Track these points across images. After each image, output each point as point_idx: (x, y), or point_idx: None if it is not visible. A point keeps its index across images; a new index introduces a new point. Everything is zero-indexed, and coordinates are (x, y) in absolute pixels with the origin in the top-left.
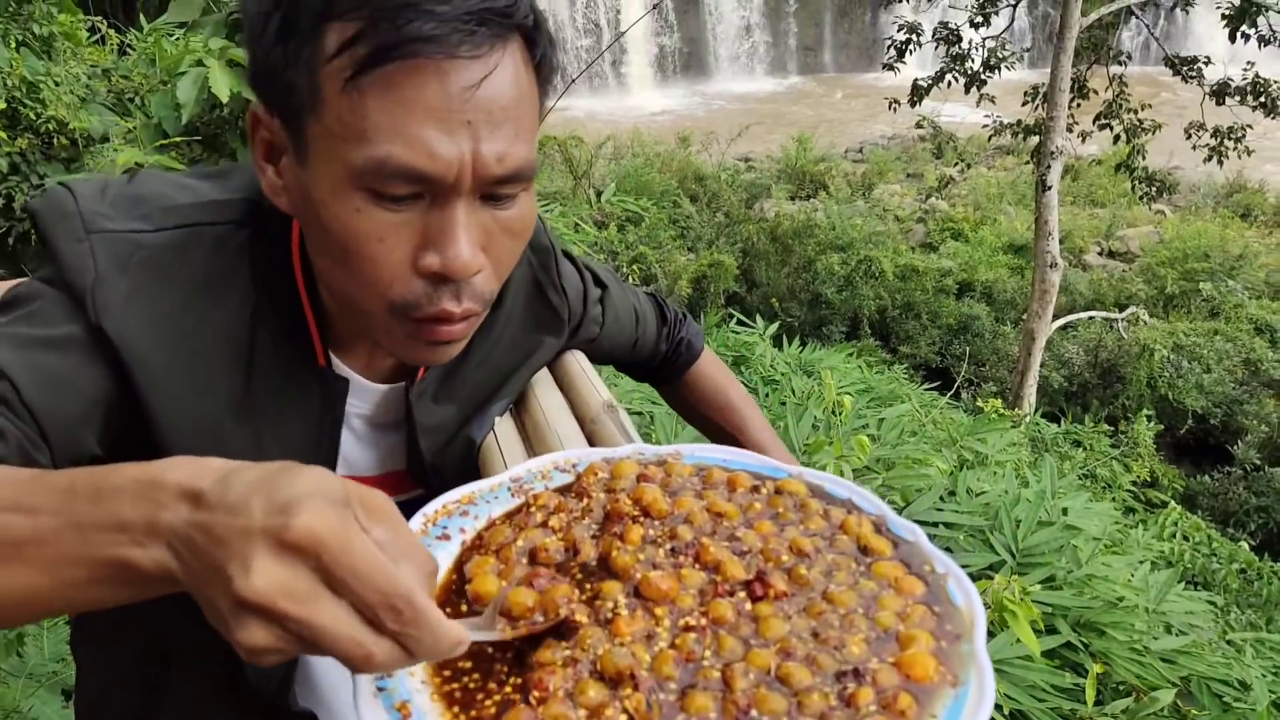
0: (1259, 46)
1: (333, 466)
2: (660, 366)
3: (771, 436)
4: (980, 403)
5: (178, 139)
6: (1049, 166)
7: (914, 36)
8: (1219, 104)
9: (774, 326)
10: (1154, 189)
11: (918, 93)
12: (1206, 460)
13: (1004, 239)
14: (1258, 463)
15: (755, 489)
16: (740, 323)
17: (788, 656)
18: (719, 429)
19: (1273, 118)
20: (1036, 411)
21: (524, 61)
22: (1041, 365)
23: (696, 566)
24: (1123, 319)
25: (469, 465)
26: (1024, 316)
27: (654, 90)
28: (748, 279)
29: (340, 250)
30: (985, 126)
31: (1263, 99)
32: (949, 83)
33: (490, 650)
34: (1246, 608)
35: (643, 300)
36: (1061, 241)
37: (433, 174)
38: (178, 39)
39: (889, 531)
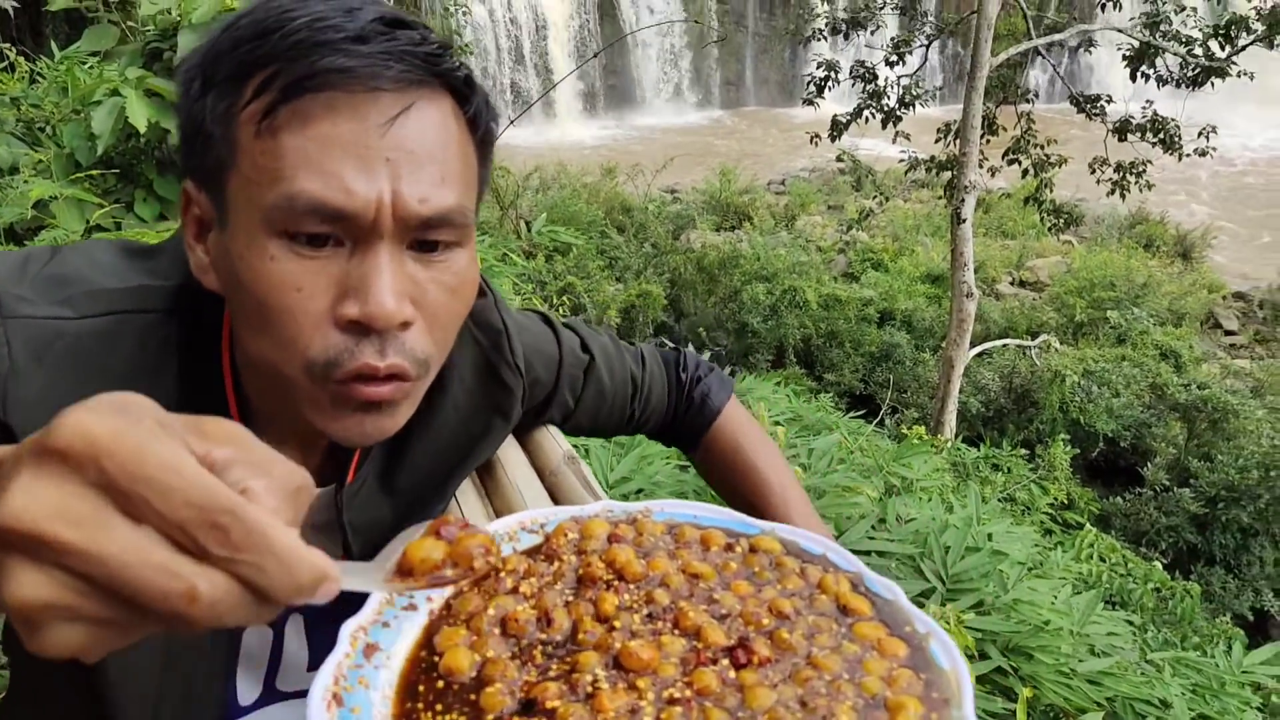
0: (1157, 86)
1: None
2: (677, 429)
3: (799, 501)
4: (905, 429)
5: (92, 171)
6: (963, 200)
7: (833, 74)
8: (1121, 140)
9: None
10: (1061, 221)
11: (837, 127)
12: (1118, 482)
13: (921, 269)
14: (1166, 483)
15: (729, 547)
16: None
17: None
18: (740, 497)
19: (1171, 153)
20: (958, 437)
21: (453, 114)
22: (960, 391)
23: (676, 632)
24: (1035, 346)
25: None
26: (943, 344)
27: (580, 122)
28: (675, 309)
29: (256, 306)
30: (901, 161)
31: (1161, 136)
32: (866, 118)
33: None
34: (1163, 626)
35: (651, 368)
36: (976, 271)
37: (349, 210)
38: (91, 67)
39: (866, 589)
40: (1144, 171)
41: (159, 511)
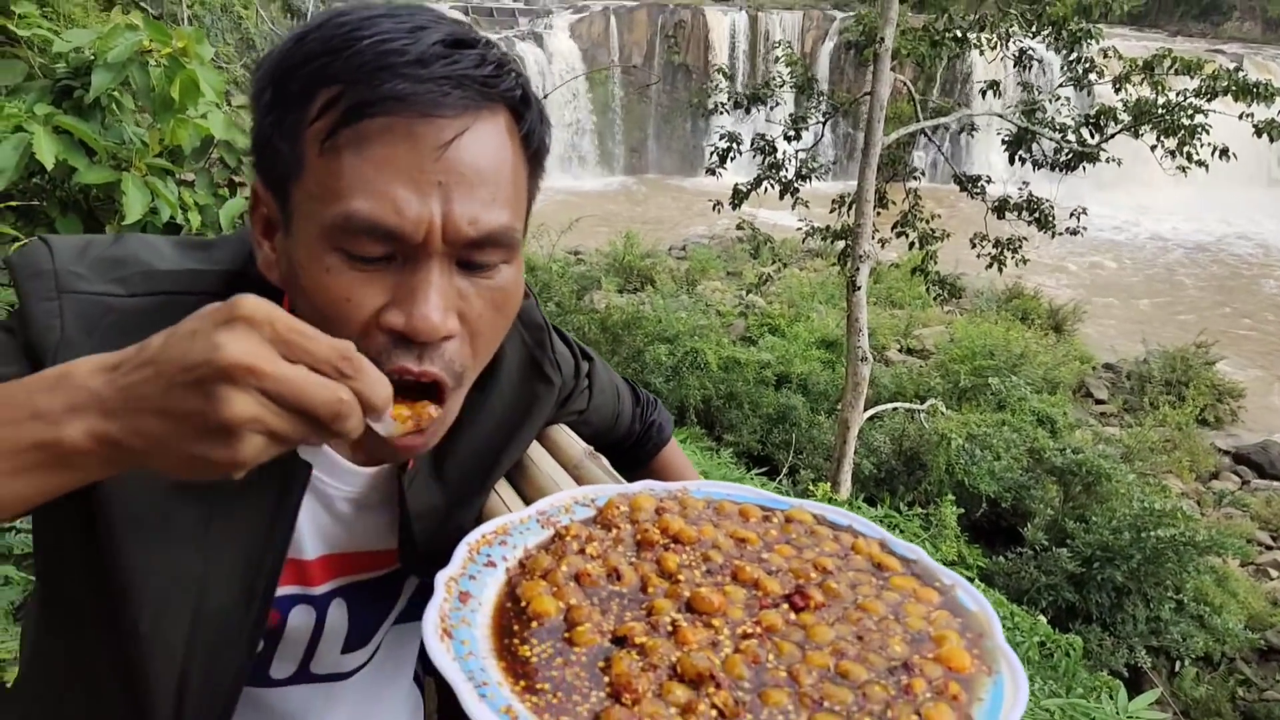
0: (1033, 169)
1: (283, 552)
2: (633, 448)
3: None
4: (810, 488)
5: None
6: (858, 269)
7: (735, 145)
8: (1000, 218)
9: None
10: (945, 291)
11: (738, 196)
12: (999, 541)
13: (816, 335)
14: (1045, 543)
15: (766, 518)
16: None
17: (841, 657)
18: None
19: (1045, 231)
20: (856, 497)
21: (508, 131)
22: (854, 453)
23: (734, 584)
24: (923, 410)
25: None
26: (838, 407)
27: None
28: None
29: (314, 312)
30: (798, 230)
31: (1036, 215)
32: (766, 189)
33: (567, 676)
34: (1049, 678)
35: (617, 379)
36: (868, 338)
37: (399, 231)
38: None
39: (893, 551)
40: (1020, 248)
41: (311, 351)
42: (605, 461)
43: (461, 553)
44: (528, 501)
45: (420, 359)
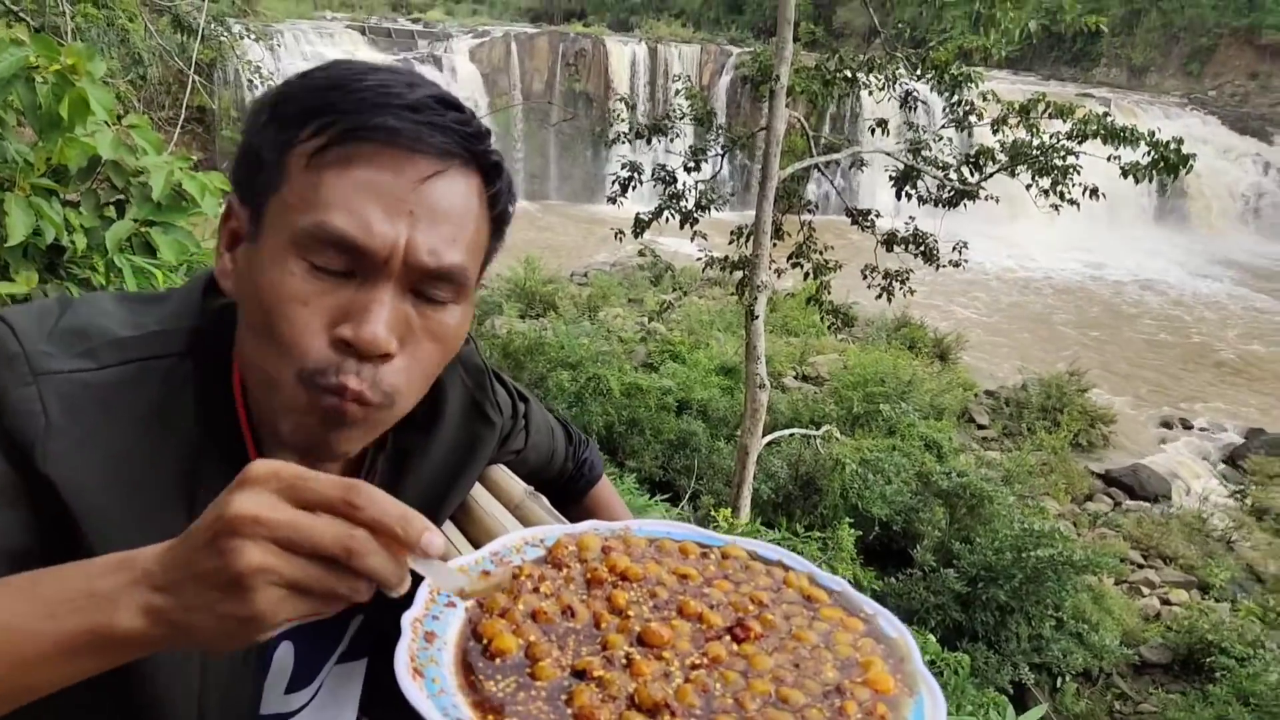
0: (918, 204)
1: None
2: (566, 484)
3: None
4: (713, 513)
5: None
6: (755, 298)
7: (636, 175)
8: (888, 250)
9: None
10: (839, 320)
11: (640, 225)
12: (891, 563)
13: (716, 362)
14: (934, 564)
15: (704, 554)
16: None
17: (780, 683)
18: None
19: (930, 264)
20: (755, 521)
21: (479, 190)
22: (754, 478)
23: (681, 618)
24: (819, 436)
25: (412, 588)
26: (737, 433)
27: None
28: None
29: (265, 313)
30: (698, 259)
31: (922, 248)
32: (667, 218)
33: (532, 710)
34: None
35: (551, 419)
36: (766, 365)
37: (367, 247)
38: None
39: (819, 583)
40: (907, 279)
41: (319, 493)
42: (545, 501)
43: (423, 594)
44: (474, 542)
45: (359, 375)
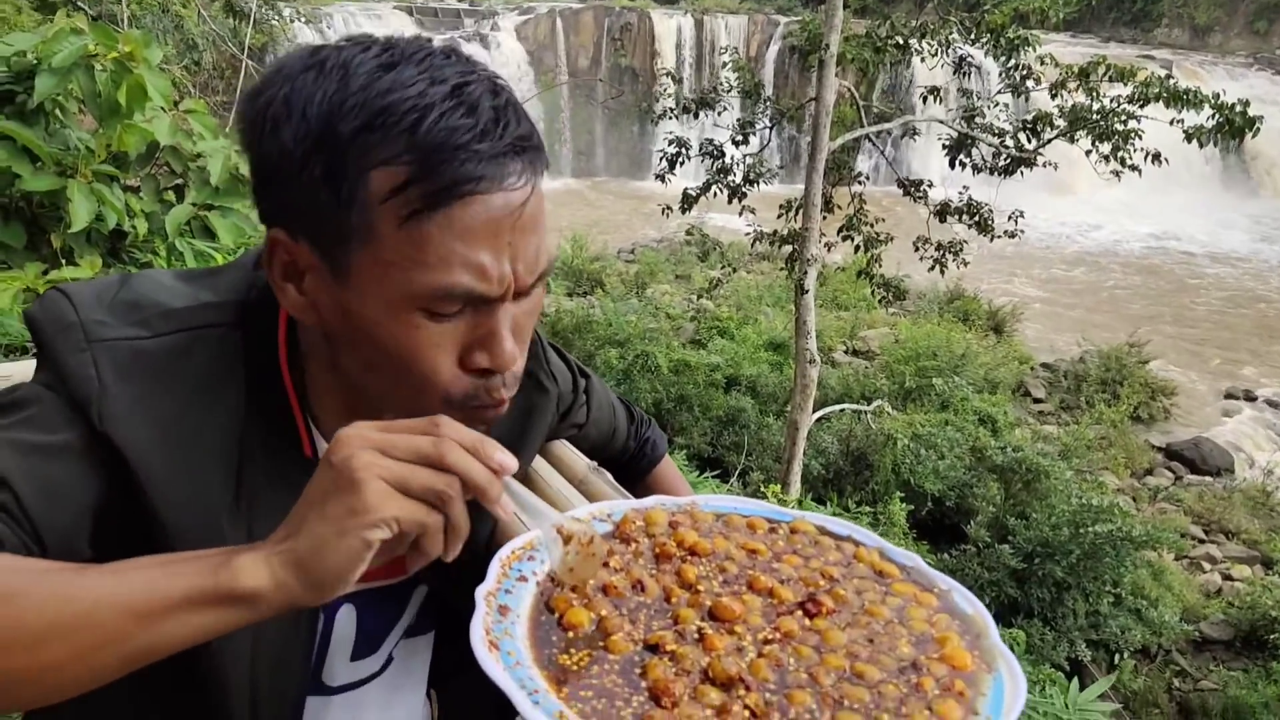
0: (973, 173)
1: None
2: (629, 463)
3: None
4: (763, 489)
5: None
6: (805, 272)
7: (684, 150)
8: (941, 221)
9: None
10: (890, 294)
11: (687, 201)
12: (944, 539)
13: (764, 337)
14: (988, 540)
15: (772, 530)
16: None
17: (855, 659)
18: None
19: (985, 235)
20: (805, 497)
21: (540, 189)
22: (804, 454)
23: (751, 593)
24: (870, 411)
25: (473, 561)
26: (786, 409)
27: None
28: None
29: (394, 361)
30: (747, 234)
31: (976, 218)
32: (715, 193)
33: (606, 683)
34: None
35: (613, 397)
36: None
37: (486, 293)
38: None
39: (891, 558)
40: (960, 251)
41: (407, 425)
42: (608, 475)
43: (495, 568)
44: None
45: (505, 384)
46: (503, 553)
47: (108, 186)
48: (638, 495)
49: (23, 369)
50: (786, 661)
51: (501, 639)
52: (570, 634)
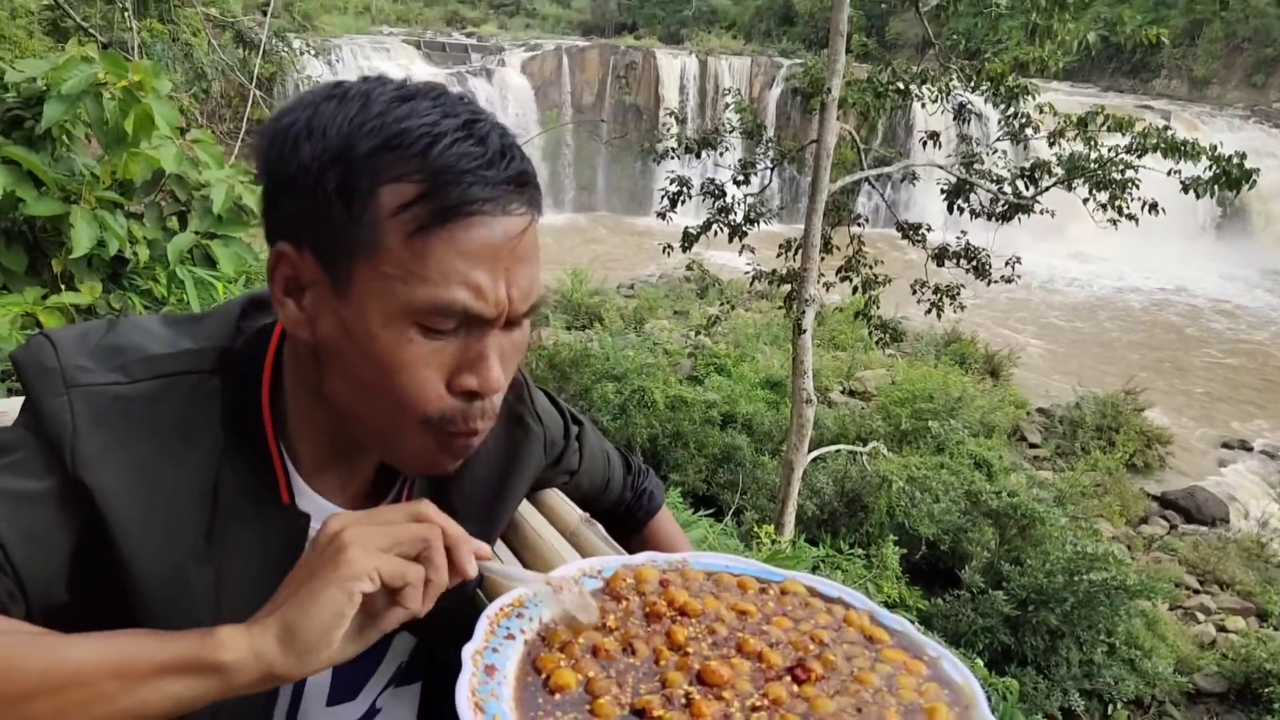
0: (970, 218)
1: None
2: (625, 514)
3: None
4: (756, 529)
5: None
6: (804, 311)
7: (685, 189)
8: (939, 265)
9: None
10: (887, 335)
11: (688, 239)
12: (938, 584)
13: (761, 375)
14: (982, 586)
15: (763, 590)
16: None
17: None
18: None
19: (981, 279)
20: (799, 538)
21: (535, 226)
22: (798, 494)
23: (740, 657)
24: (865, 452)
25: (456, 600)
26: (782, 448)
27: None
28: None
29: (383, 376)
30: (746, 272)
31: (974, 262)
32: (715, 231)
33: None
34: None
35: (608, 446)
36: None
37: (483, 314)
38: None
39: (881, 623)
40: (958, 294)
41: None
42: (600, 528)
43: (483, 626)
44: (529, 568)
45: (484, 414)
46: (490, 610)
47: (111, 213)
48: (635, 548)
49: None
50: None
51: (487, 701)
52: (557, 696)
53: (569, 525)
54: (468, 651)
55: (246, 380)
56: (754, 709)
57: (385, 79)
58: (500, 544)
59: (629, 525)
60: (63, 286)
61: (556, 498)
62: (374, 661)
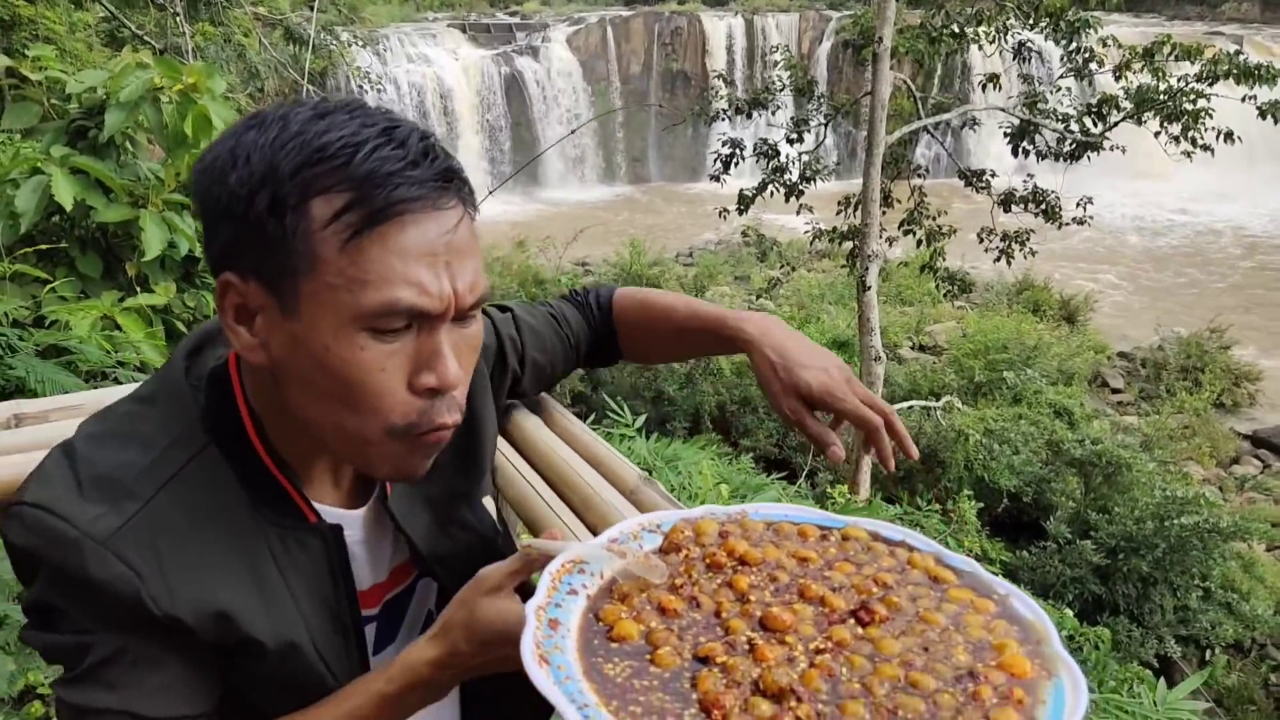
0: (1038, 160)
1: (353, 602)
2: (599, 338)
3: (705, 305)
4: (829, 489)
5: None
6: (867, 268)
7: (738, 151)
8: (1006, 211)
9: (641, 419)
10: (955, 287)
11: (744, 202)
12: (1023, 536)
13: (827, 335)
14: (1069, 536)
15: (824, 537)
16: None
17: (910, 667)
18: (663, 337)
19: (1051, 223)
20: (875, 496)
21: (470, 218)
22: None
23: (803, 602)
24: (939, 407)
25: (473, 548)
26: None
27: (487, 196)
28: (592, 379)
29: (342, 386)
30: (805, 232)
31: (1043, 206)
32: (771, 193)
33: (657, 700)
34: None
35: (556, 303)
36: (880, 336)
37: (429, 309)
38: (4, 145)
39: (947, 563)
40: (1027, 240)
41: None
42: (660, 486)
43: (545, 582)
44: (591, 529)
45: (449, 410)
46: (553, 566)
47: (178, 214)
48: (623, 336)
49: (97, 397)
50: (839, 671)
51: (551, 653)
52: (617, 645)
53: (628, 485)
54: (531, 606)
55: (233, 431)
56: (818, 651)
57: (300, 101)
58: (561, 504)
59: (604, 332)
60: (138, 289)
61: (614, 459)
62: (403, 608)
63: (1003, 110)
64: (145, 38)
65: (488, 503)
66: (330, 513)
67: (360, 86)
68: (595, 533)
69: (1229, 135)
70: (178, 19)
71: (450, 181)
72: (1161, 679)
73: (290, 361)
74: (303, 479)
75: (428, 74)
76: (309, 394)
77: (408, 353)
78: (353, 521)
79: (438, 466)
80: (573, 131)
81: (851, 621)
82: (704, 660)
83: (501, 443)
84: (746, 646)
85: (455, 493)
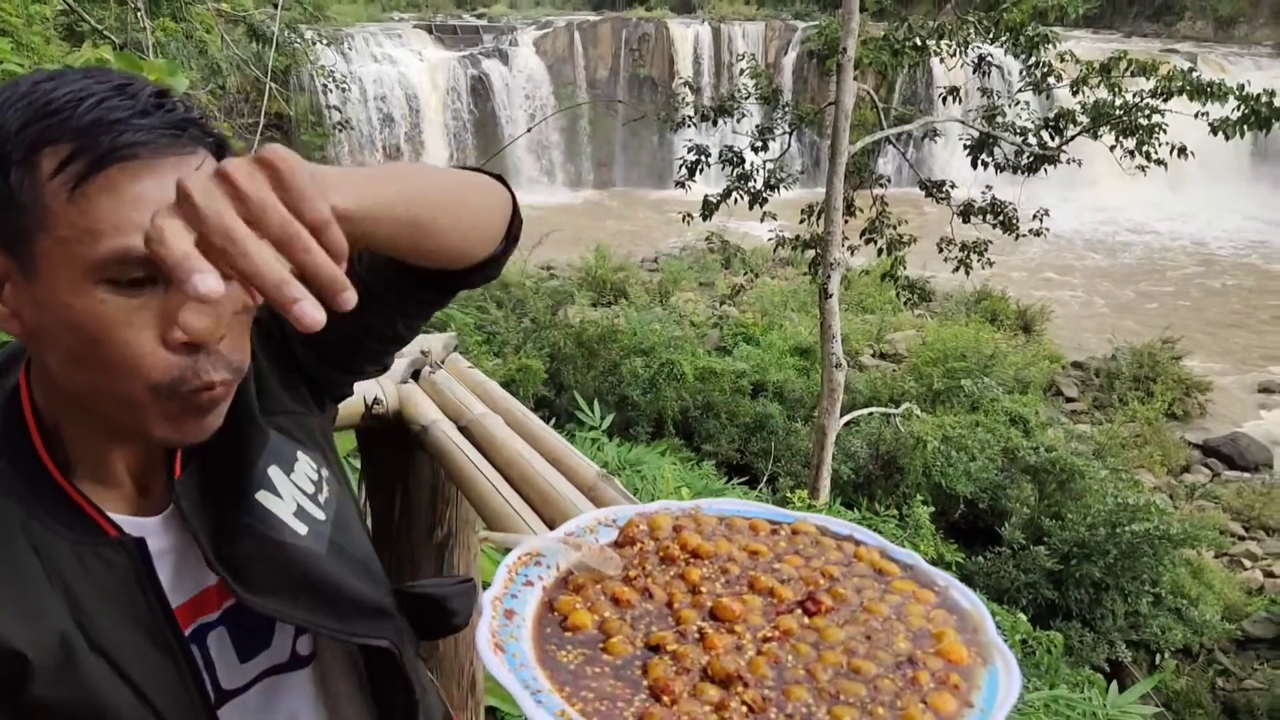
0: (996, 172)
1: (169, 617)
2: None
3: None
4: (788, 494)
5: None
6: (829, 276)
7: (703, 158)
8: (965, 221)
9: (608, 420)
10: (915, 295)
11: (708, 208)
12: (978, 542)
13: (790, 343)
14: (1023, 542)
15: (774, 531)
16: (570, 420)
17: (853, 655)
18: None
19: (1009, 234)
20: (834, 502)
21: (214, 157)
22: (832, 459)
23: (752, 593)
24: (899, 414)
25: (275, 558)
26: (814, 414)
27: None
28: (556, 383)
29: (89, 345)
30: (769, 240)
31: (1000, 217)
32: (735, 199)
33: (609, 687)
34: (1032, 675)
35: None
36: (841, 344)
37: None
38: None
39: (891, 557)
40: (985, 250)
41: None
42: (618, 483)
43: (502, 574)
44: (549, 523)
45: (216, 368)
46: (509, 559)
47: None
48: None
49: None
50: (785, 659)
51: (507, 641)
52: (571, 634)
53: (587, 482)
54: (487, 597)
55: (23, 448)
56: (766, 640)
57: (39, 73)
58: (519, 500)
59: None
60: None
61: (572, 456)
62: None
63: (962, 122)
64: (105, 32)
65: (288, 502)
66: (132, 523)
67: (325, 85)
68: (553, 528)
69: (1182, 150)
70: (138, 14)
71: (186, 128)
72: (1113, 683)
73: (41, 329)
74: (104, 484)
75: (393, 74)
76: (66, 361)
77: (155, 307)
78: (156, 529)
79: (211, 451)
80: (532, 127)
81: (799, 611)
82: (655, 648)
83: (462, 440)
84: (697, 635)
85: (234, 487)
